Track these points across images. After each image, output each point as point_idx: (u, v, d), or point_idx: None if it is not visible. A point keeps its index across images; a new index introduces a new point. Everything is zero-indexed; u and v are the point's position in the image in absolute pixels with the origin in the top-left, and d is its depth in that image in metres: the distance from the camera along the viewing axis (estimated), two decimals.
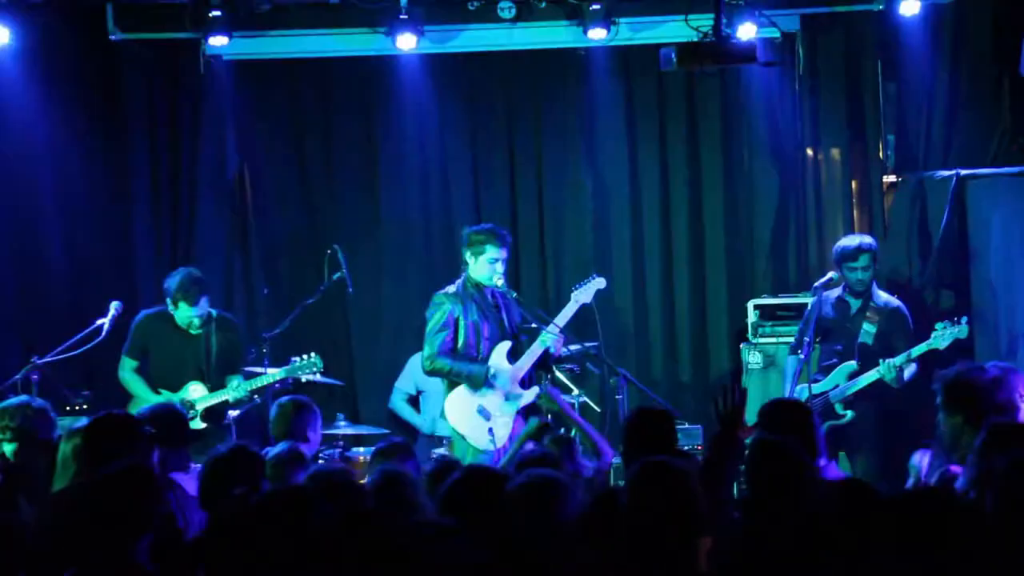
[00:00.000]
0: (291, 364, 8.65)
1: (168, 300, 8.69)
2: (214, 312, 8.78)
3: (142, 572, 4.26)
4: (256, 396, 8.73)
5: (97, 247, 10.08)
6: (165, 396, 8.51)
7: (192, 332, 8.71)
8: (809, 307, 8.89)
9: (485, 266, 8.30)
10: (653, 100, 10.36)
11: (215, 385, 8.65)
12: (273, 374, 8.61)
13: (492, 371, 8.24)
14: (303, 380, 8.70)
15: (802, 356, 8.65)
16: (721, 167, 10.36)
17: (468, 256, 8.35)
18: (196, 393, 8.62)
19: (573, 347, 8.76)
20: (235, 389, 8.60)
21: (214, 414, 8.65)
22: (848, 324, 8.87)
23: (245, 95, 10.26)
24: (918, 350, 8.51)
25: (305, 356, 8.65)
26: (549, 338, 8.32)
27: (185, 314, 8.65)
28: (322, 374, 8.90)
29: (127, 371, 8.77)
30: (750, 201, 10.37)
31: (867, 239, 9.00)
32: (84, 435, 5.76)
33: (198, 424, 8.50)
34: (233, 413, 8.71)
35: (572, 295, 8.51)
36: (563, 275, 10.23)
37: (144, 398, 8.52)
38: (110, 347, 8.73)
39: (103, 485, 4.53)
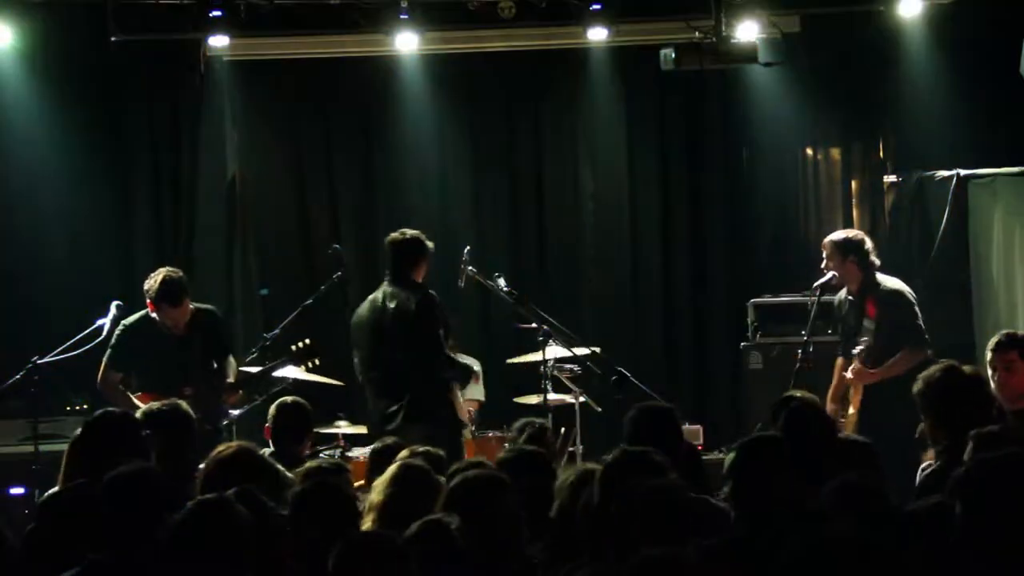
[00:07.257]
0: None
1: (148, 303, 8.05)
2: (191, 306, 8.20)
3: (152, 573, 4.25)
4: (256, 396, 8.67)
5: (97, 247, 10.06)
6: None
7: (177, 332, 8.13)
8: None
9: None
10: (653, 100, 10.36)
11: None
12: None
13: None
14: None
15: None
16: (721, 167, 10.36)
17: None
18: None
19: (578, 351, 8.71)
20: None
21: (212, 414, 8.13)
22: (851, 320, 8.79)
23: (245, 95, 10.26)
24: None
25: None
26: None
27: (171, 316, 8.04)
28: (322, 374, 8.88)
29: (110, 385, 8.04)
30: (750, 201, 10.37)
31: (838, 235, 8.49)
32: (82, 435, 5.74)
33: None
34: (234, 413, 8.64)
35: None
36: (563, 275, 10.22)
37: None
38: None
39: (114, 484, 4.52)
